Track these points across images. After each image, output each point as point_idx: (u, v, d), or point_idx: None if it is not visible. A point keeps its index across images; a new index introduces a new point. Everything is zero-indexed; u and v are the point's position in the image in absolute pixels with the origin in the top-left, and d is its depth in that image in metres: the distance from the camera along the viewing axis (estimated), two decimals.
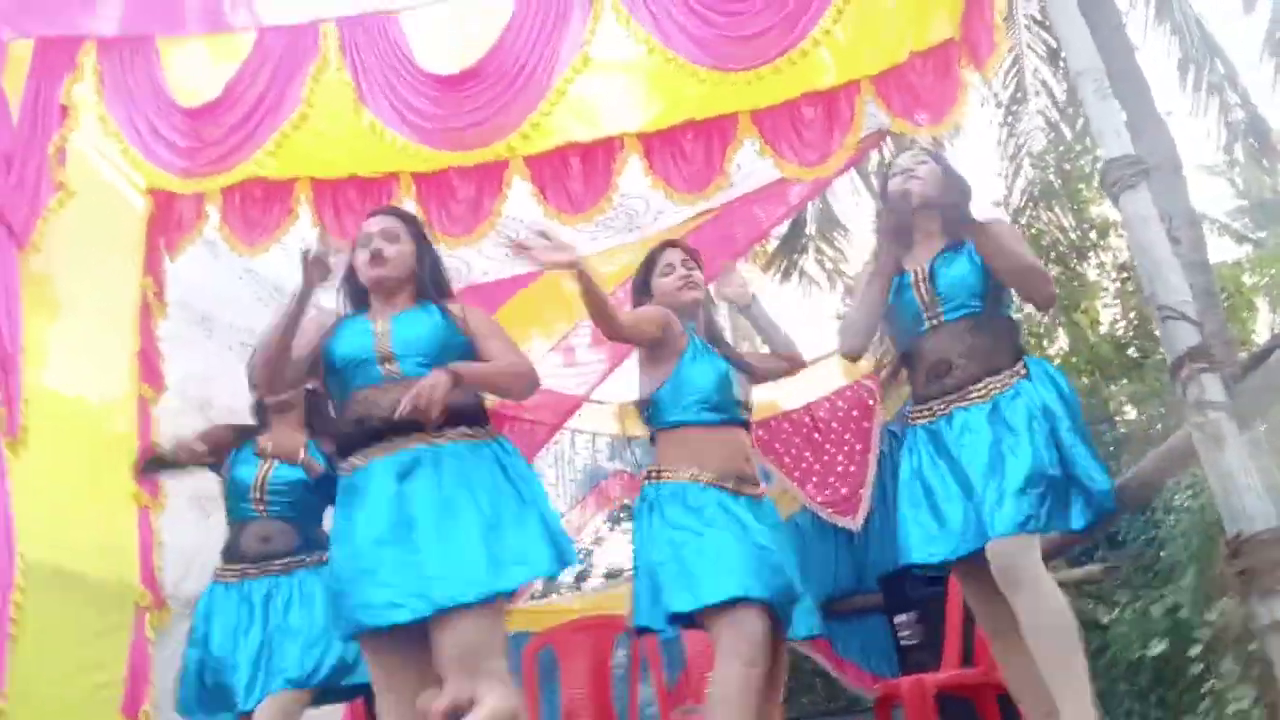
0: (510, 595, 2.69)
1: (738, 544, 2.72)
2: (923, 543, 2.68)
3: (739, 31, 3.38)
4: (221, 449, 3.39)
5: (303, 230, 3.89)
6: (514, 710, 2.40)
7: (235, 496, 3.36)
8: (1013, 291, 2.86)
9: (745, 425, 3.03)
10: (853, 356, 2.98)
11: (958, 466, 2.64)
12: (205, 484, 3.76)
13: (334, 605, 2.59)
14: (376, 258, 2.77)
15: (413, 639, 2.47)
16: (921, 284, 2.77)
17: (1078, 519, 2.62)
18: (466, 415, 2.64)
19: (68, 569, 3.15)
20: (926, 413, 2.75)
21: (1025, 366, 2.70)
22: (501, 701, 2.36)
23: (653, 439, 3.03)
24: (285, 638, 3.14)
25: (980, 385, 2.68)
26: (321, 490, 3.26)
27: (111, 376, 3.64)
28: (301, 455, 3.30)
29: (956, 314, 2.73)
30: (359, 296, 2.88)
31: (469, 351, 2.72)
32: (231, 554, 3.31)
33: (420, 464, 2.54)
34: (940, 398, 2.72)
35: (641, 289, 3.15)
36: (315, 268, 2.69)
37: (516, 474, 2.64)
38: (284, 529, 3.33)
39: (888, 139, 5.36)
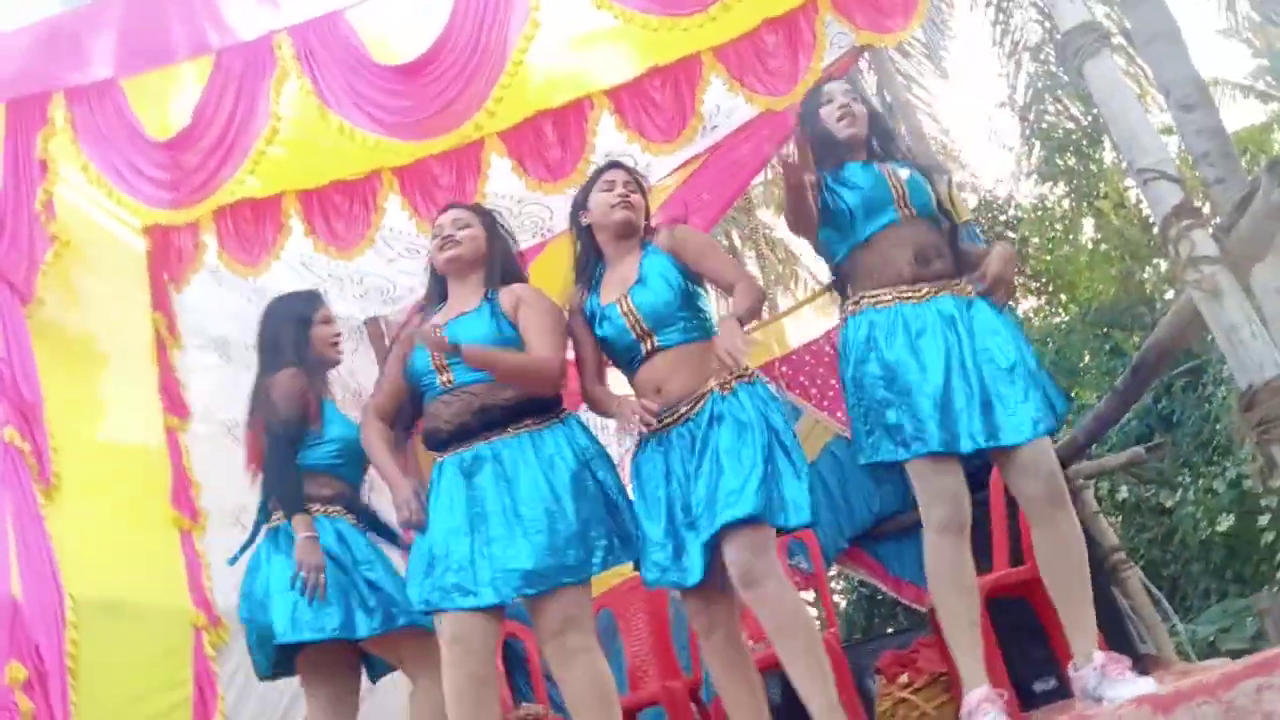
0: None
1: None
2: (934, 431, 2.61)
3: None
4: None
5: (297, 244, 3.96)
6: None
7: None
8: None
9: (673, 345, 2.78)
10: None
11: (959, 343, 2.62)
12: (247, 499, 3.87)
13: (417, 582, 2.77)
14: (448, 241, 2.90)
15: (479, 619, 2.68)
16: (893, 177, 2.75)
17: None
18: (530, 407, 2.78)
19: (120, 601, 3.26)
20: (912, 294, 2.66)
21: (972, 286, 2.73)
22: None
23: None
24: None
25: (960, 280, 2.71)
26: None
27: (139, 413, 3.73)
28: None
29: (922, 212, 2.74)
30: (439, 296, 2.99)
31: (517, 341, 2.81)
32: None
33: (482, 461, 2.73)
34: (932, 281, 2.68)
35: (580, 204, 2.98)
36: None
37: (577, 458, 2.76)
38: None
39: (867, 56, 5.28)
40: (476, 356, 2.73)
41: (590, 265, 2.95)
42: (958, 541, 2.65)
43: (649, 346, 2.77)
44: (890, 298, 2.67)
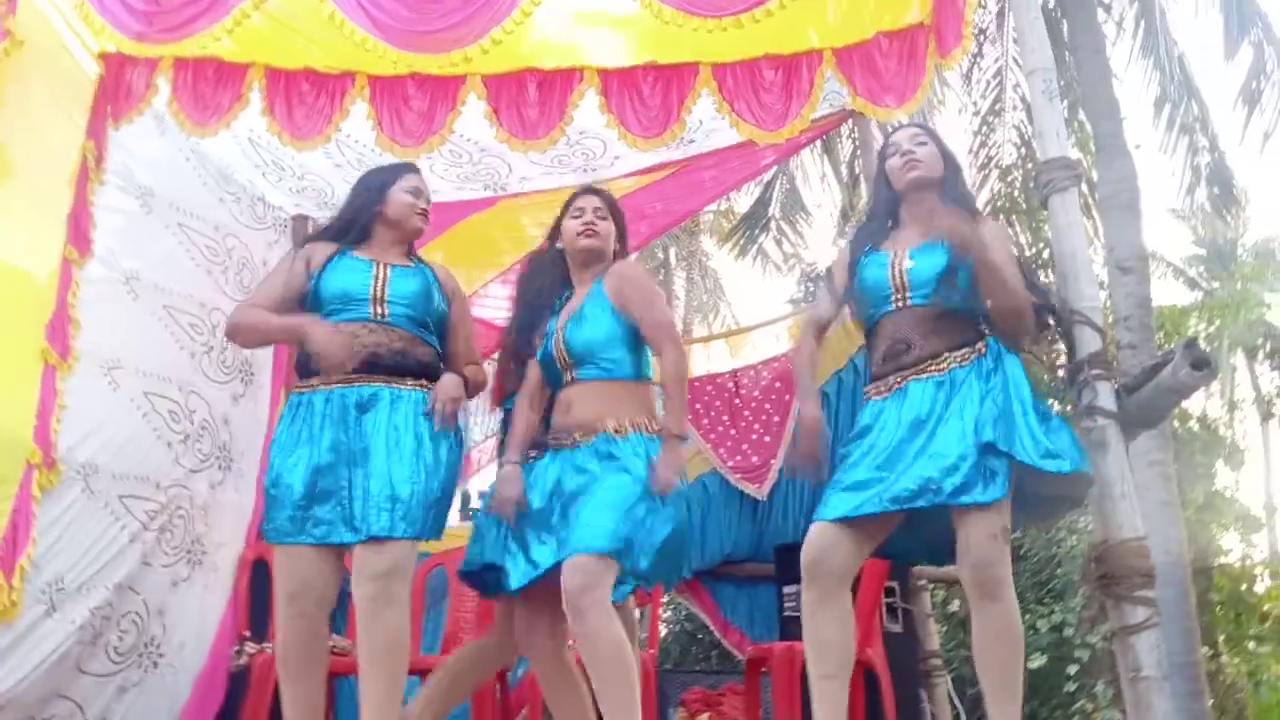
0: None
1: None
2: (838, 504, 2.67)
3: None
4: None
5: (252, 119, 3.85)
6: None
7: None
8: None
9: (589, 380, 2.90)
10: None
11: (898, 433, 2.65)
12: (123, 355, 3.74)
13: (279, 510, 2.86)
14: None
15: (332, 554, 2.84)
16: (897, 266, 2.77)
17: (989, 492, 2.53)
18: (429, 370, 2.98)
19: None
20: (883, 388, 2.76)
21: (986, 345, 2.70)
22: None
23: None
24: None
25: (939, 360, 2.69)
26: None
27: (35, 236, 3.56)
28: None
29: (925, 300, 2.74)
30: (359, 234, 3.10)
31: (443, 317, 3.08)
32: None
33: (379, 400, 2.86)
34: (896, 373, 2.73)
35: (554, 231, 3.14)
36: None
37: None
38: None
39: (851, 122, 5.38)
40: (473, 388, 3.07)
41: (560, 289, 3.09)
42: (813, 593, 2.67)
43: (569, 378, 2.92)
44: (872, 393, 2.81)
